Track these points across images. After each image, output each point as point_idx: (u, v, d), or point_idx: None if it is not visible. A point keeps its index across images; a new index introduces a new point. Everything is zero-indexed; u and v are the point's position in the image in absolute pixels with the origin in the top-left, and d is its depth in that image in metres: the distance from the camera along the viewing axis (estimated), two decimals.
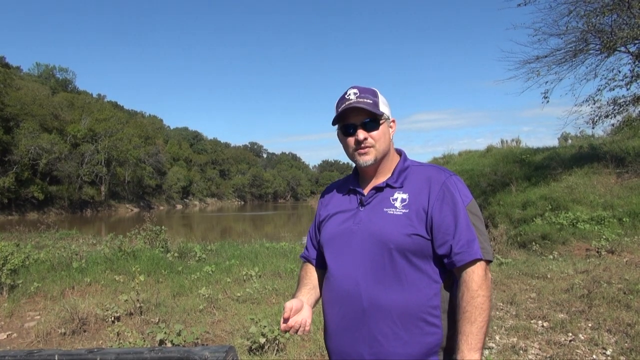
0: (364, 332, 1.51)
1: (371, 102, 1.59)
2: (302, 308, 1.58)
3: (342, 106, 1.61)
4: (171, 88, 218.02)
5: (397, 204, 1.56)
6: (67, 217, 47.76)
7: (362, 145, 1.60)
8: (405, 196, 1.57)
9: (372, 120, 1.60)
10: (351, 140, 1.63)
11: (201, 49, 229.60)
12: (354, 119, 1.61)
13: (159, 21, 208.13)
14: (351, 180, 1.74)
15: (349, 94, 1.62)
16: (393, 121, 1.70)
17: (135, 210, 65.47)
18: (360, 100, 1.59)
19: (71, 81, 78.59)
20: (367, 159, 1.61)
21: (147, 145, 74.77)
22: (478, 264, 1.46)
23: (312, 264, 1.84)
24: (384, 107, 1.63)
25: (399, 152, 1.73)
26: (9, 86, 50.62)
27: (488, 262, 1.48)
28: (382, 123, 1.62)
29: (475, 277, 1.44)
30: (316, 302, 1.75)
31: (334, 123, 1.67)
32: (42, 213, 48.03)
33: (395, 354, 1.48)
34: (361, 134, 1.59)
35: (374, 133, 1.60)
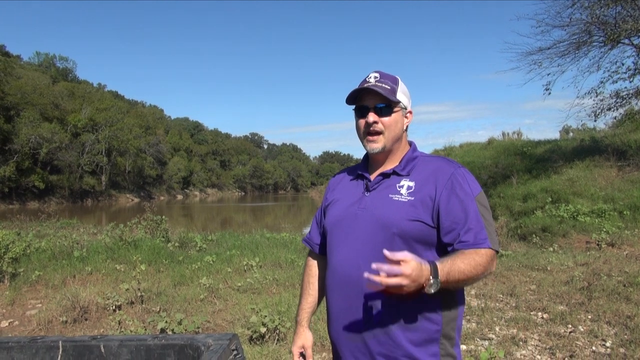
0: (365, 317, 1.52)
1: (389, 88, 1.58)
2: (307, 344, 1.80)
3: (358, 86, 1.61)
4: (172, 78, 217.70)
5: (403, 190, 1.56)
6: (67, 206, 47.84)
7: (371, 129, 1.60)
8: (411, 184, 1.57)
9: (386, 106, 1.59)
10: (362, 122, 1.63)
11: (202, 40, 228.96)
12: (368, 102, 1.60)
13: (159, 12, 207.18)
14: (360, 166, 1.75)
15: (370, 77, 1.62)
16: (409, 112, 1.69)
17: (136, 200, 65.55)
18: (379, 84, 1.58)
19: (71, 70, 78.44)
20: (374, 146, 1.61)
21: (148, 135, 74.67)
22: (485, 250, 1.46)
23: (314, 251, 1.88)
24: (401, 96, 1.62)
25: (410, 144, 1.73)
26: (9, 75, 50.46)
27: (495, 252, 1.48)
28: (397, 111, 1.61)
29: (482, 251, 1.44)
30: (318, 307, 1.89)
31: (347, 102, 1.66)
32: (43, 202, 48.05)
33: (395, 338, 1.49)
34: (372, 117, 1.59)
35: (386, 119, 1.59)
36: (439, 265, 1.35)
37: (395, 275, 1.25)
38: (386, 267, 1.26)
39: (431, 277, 1.32)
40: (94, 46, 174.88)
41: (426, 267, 1.31)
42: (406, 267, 1.26)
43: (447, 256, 1.42)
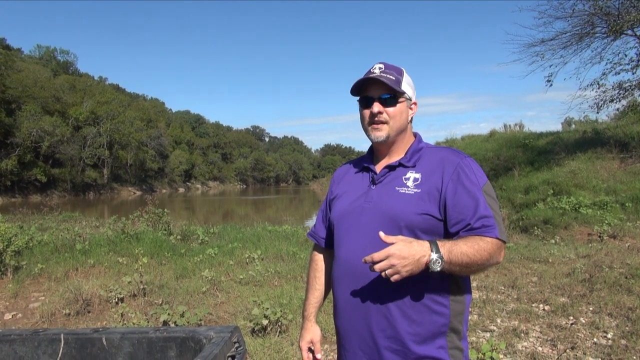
0: (372, 310, 1.51)
1: (394, 78, 1.57)
2: (315, 339, 1.80)
3: (363, 78, 1.60)
4: (172, 72, 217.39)
5: (410, 183, 1.55)
6: (70, 199, 47.92)
7: (376, 119, 1.59)
8: (417, 176, 1.56)
9: (391, 97, 1.58)
10: (367, 112, 1.61)
11: (202, 33, 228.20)
12: (373, 92, 1.59)
13: (159, 5, 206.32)
14: (365, 159, 1.74)
15: (375, 68, 1.61)
16: (414, 103, 1.68)
17: (138, 193, 65.69)
18: (383, 75, 1.57)
19: (72, 63, 78.31)
20: (378, 134, 1.60)
21: (149, 128, 74.71)
22: (491, 239, 1.44)
23: (320, 244, 1.86)
24: (406, 87, 1.61)
25: (415, 135, 1.71)
26: (10, 68, 50.40)
27: (502, 243, 1.47)
28: (402, 102, 1.60)
29: (487, 239, 1.43)
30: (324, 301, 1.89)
31: (352, 92, 1.65)
32: (45, 195, 48.18)
33: (403, 331, 1.48)
34: (376, 107, 1.57)
35: (390, 109, 1.58)
36: (438, 242, 1.36)
37: (382, 260, 1.28)
38: (373, 255, 1.29)
39: (432, 252, 1.32)
40: (95, 39, 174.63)
41: (421, 244, 1.33)
42: (391, 247, 1.28)
43: (452, 239, 1.43)
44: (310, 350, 1.79)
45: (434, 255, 1.32)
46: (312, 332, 1.80)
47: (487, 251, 1.41)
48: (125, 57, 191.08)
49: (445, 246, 1.35)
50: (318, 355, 1.78)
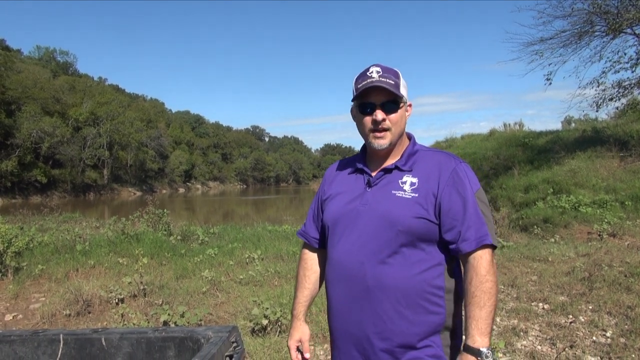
0: (368, 311, 1.52)
1: (393, 82, 1.54)
2: (304, 338, 1.80)
3: (364, 83, 1.56)
4: (172, 72, 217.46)
5: (406, 187, 1.55)
6: (70, 200, 47.91)
7: (380, 127, 1.56)
8: (414, 180, 1.55)
9: (392, 102, 1.56)
10: (368, 119, 1.58)
11: (202, 32, 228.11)
12: (374, 98, 1.56)
13: (159, 5, 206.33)
14: (359, 159, 1.71)
15: (372, 72, 1.56)
16: (410, 105, 1.66)
17: (138, 193, 65.71)
18: (383, 79, 1.54)
19: (72, 64, 78.36)
20: (382, 142, 1.58)
21: (149, 128, 74.74)
22: (486, 250, 1.47)
23: (312, 245, 1.85)
24: (403, 90, 1.59)
25: (409, 136, 1.70)
26: (9, 69, 50.41)
27: (494, 248, 1.50)
28: (402, 107, 1.59)
29: (483, 263, 1.45)
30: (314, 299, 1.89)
31: (353, 100, 1.63)
32: (46, 196, 48.18)
33: (399, 332, 1.49)
34: (380, 114, 1.55)
35: (392, 115, 1.56)
36: (477, 342, 1.44)
37: None
38: None
39: (484, 356, 1.43)
40: (95, 39, 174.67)
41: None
42: None
43: (467, 322, 1.47)
44: (298, 349, 1.79)
45: (486, 357, 1.44)
46: (301, 331, 1.80)
47: (493, 281, 1.47)
48: (125, 57, 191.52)
49: (482, 334, 1.45)
50: (306, 355, 1.77)
